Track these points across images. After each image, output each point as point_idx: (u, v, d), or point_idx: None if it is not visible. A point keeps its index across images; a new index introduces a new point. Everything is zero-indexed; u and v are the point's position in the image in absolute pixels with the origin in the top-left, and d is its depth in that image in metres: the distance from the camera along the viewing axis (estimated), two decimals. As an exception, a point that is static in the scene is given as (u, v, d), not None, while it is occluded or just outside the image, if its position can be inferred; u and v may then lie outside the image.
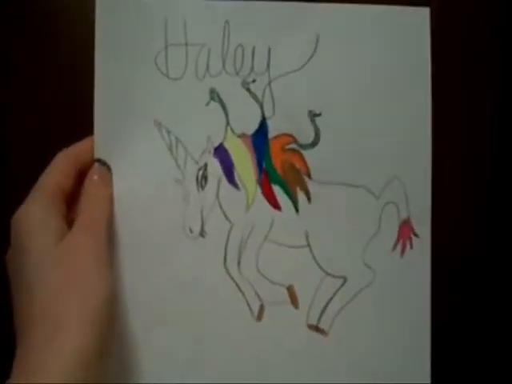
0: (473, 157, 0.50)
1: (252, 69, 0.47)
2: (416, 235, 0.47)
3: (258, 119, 0.48)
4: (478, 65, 0.49)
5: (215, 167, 0.47)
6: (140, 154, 0.45)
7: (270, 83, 0.48)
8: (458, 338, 0.50)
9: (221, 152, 0.48)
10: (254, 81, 0.47)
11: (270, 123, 0.48)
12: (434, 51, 0.46)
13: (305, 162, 0.48)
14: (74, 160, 0.42)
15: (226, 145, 0.48)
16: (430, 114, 0.46)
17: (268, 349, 0.45)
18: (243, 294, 0.46)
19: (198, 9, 0.44)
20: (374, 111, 0.47)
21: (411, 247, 0.47)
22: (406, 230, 0.47)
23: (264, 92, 0.48)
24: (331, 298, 0.47)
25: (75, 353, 0.34)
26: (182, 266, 0.45)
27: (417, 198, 0.47)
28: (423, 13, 0.46)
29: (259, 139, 0.48)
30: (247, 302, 0.46)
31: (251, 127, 0.48)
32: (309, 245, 0.47)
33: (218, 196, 0.47)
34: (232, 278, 0.46)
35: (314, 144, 0.48)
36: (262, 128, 0.48)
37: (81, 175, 0.43)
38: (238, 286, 0.46)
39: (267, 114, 0.48)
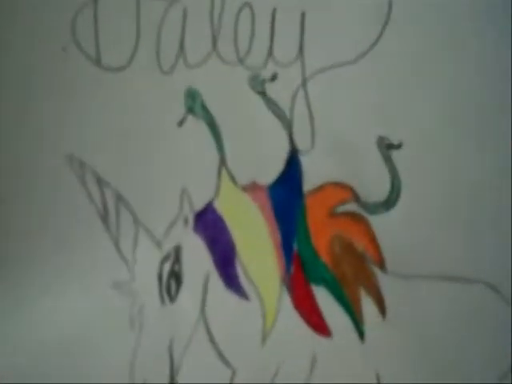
0: None
1: (270, 53, 0.38)
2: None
3: (283, 153, 0.38)
4: None
5: (197, 252, 0.40)
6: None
7: (305, 82, 0.37)
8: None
9: (209, 220, 0.40)
10: (274, 77, 0.38)
11: (305, 161, 0.38)
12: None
13: (376, 242, 0.37)
14: None
15: (220, 205, 0.39)
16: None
17: None
18: None
19: None
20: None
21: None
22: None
23: (294, 99, 0.38)
24: None
25: None
26: None
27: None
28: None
29: (284, 193, 0.38)
30: None
31: (268, 169, 0.39)
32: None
33: (203, 314, 0.39)
34: None
35: (389, 203, 0.37)
36: (291, 171, 0.38)
37: None
38: None
39: (300, 144, 0.38)
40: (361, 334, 0.38)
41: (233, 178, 0.39)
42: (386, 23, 0.38)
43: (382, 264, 0.38)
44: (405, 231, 0.38)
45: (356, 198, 0.38)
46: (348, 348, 0.39)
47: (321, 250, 0.39)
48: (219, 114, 0.40)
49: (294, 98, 0.38)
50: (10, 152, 0.47)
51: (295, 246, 0.39)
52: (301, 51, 0.38)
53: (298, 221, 0.39)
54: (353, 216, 0.38)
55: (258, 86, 0.39)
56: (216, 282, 0.40)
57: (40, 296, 0.44)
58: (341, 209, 0.38)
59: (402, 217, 0.38)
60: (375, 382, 0.38)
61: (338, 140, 0.38)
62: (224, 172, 0.39)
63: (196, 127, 0.40)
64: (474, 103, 0.37)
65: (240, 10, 0.39)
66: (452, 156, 0.37)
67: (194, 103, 0.40)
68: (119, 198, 0.42)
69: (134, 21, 0.43)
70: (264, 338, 0.40)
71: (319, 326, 0.39)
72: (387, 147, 0.37)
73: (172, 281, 0.40)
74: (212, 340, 0.40)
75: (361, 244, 0.38)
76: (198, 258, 0.40)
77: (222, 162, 0.40)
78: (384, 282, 0.38)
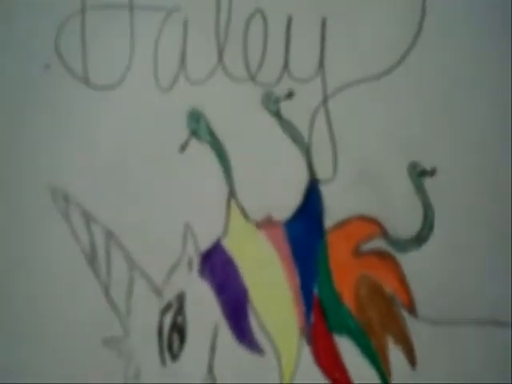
0: None
1: (285, 66, 0.36)
2: None
3: (301, 183, 0.36)
4: None
5: (203, 301, 0.37)
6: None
7: (325, 100, 0.35)
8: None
9: (216, 262, 0.37)
10: (290, 94, 0.36)
11: (326, 192, 0.36)
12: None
13: (405, 284, 0.35)
14: None
15: (229, 244, 0.37)
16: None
17: None
18: None
19: None
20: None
21: None
22: None
23: (313, 120, 0.35)
24: None
25: None
26: None
27: None
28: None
29: (303, 230, 0.36)
30: None
31: (284, 202, 0.36)
32: None
33: (211, 375, 0.36)
34: None
35: (421, 238, 0.35)
36: (310, 204, 0.36)
37: None
38: None
39: (321, 172, 0.36)
40: (387, 388, 0.41)
41: (244, 213, 0.37)
42: (419, 34, 0.36)
43: (412, 308, 0.36)
44: (438, 271, 0.36)
45: (384, 233, 0.36)
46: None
47: (344, 295, 0.36)
48: (227, 137, 0.38)
49: (313, 119, 0.36)
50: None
51: (316, 291, 0.37)
52: (321, 64, 0.37)
53: (318, 261, 0.37)
54: (380, 254, 0.36)
55: (272, 105, 0.37)
56: (226, 336, 0.37)
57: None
58: (367, 246, 0.36)
59: (434, 254, 0.35)
60: None
61: (364, 167, 0.36)
62: (233, 205, 0.37)
63: (200, 153, 0.38)
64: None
65: (250, 17, 0.38)
66: (490, 183, 0.35)
67: (198, 126, 0.38)
68: (110, 236, 0.39)
69: (128, 33, 0.39)
70: (283, 393, 0.42)
71: (343, 382, 0.36)
72: (419, 174, 0.35)
73: (174, 336, 0.37)
74: (223, 406, 0.41)
75: (389, 286, 0.36)
76: (204, 307, 0.37)
77: (231, 193, 0.37)
78: (414, 328, 0.36)
